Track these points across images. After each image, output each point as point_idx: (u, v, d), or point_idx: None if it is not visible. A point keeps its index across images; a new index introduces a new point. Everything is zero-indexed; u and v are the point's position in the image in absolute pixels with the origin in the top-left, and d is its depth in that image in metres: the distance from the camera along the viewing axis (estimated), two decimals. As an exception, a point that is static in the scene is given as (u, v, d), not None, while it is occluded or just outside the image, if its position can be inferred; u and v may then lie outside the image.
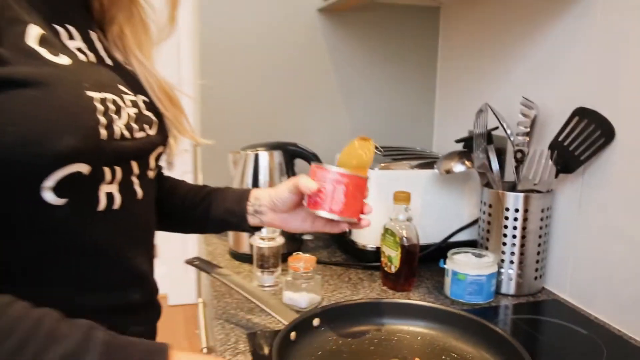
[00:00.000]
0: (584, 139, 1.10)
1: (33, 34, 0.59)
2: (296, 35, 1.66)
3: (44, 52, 0.59)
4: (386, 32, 1.72)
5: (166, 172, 0.95)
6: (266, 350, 0.93)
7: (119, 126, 0.65)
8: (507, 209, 1.17)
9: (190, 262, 1.12)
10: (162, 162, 0.83)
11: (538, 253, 1.18)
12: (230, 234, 1.39)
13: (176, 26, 0.84)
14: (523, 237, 1.17)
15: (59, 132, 0.57)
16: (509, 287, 1.19)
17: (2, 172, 0.55)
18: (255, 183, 1.40)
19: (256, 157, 1.41)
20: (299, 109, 1.70)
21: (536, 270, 1.19)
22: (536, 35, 1.27)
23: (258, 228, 0.97)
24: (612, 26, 1.06)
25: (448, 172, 1.30)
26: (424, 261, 1.27)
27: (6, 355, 0.50)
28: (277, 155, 1.42)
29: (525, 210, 1.16)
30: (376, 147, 0.92)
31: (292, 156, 1.46)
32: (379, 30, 1.71)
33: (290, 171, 1.44)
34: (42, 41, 0.60)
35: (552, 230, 1.22)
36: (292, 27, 1.65)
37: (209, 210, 0.93)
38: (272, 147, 1.43)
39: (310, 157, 1.46)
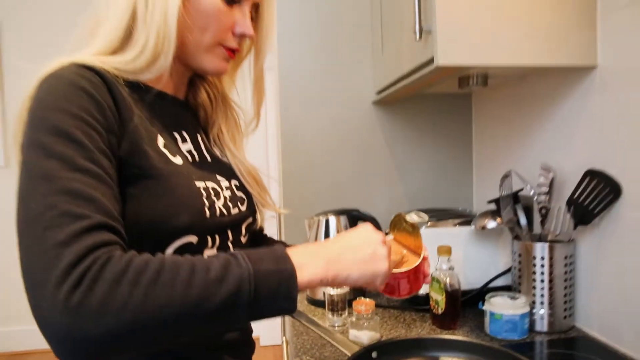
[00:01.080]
0: (596, 195, 1.10)
1: (161, 141, 0.69)
2: (356, 122, 1.72)
3: (168, 154, 0.68)
4: (429, 115, 1.75)
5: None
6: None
7: (219, 206, 0.72)
8: (535, 257, 1.17)
9: (273, 306, 1.18)
10: (257, 227, 0.89)
11: (565, 295, 1.16)
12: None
13: (260, 121, 0.92)
14: (550, 281, 1.16)
15: (178, 213, 0.64)
16: (542, 325, 1.17)
17: (138, 242, 0.60)
18: (326, 242, 1.47)
19: (326, 221, 1.48)
20: (360, 181, 1.74)
21: (565, 310, 1.17)
22: (551, 109, 1.29)
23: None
24: (611, 99, 1.08)
25: (483, 228, 1.32)
26: (467, 304, 1.28)
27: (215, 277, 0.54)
28: (343, 219, 1.49)
29: (551, 258, 1.15)
30: (418, 215, 0.92)
31: (355, 220, 1.51)
32: (423, 115, 1.75)
33: (353, 232, 1.50)
34: (165, 146, 0.69)
35: (577, 274, 1.20)
36: (353, 116, 1.72)
37: None
38: (338, 212, 1.50)
39: (369, 220, 1.51)
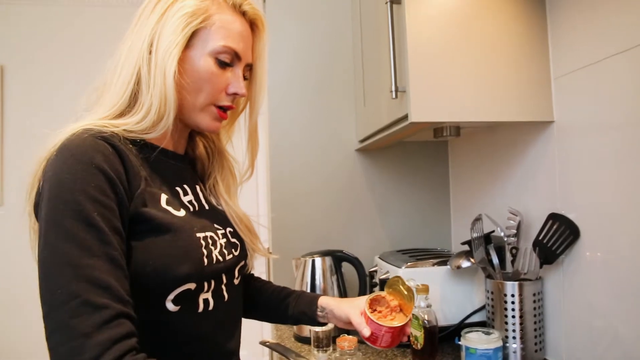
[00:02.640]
0: (558, 237, 1.19)
1: (164, 198, 0.75)
2: (340, 168, 1.81)
3: (170, 209, 0.74)
4: (409, 161, 1.85)
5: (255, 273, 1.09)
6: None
7: (215, 254, 0.78)
8: (506, 295, 1.25)
9: (263, 343, 1.24)
10: (249, 270, 0.94)
11: (535, 329, 1.24)
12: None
13: (254, 171, 0.98)
14: (521, 316, 1.23)
15: (180, 263, 0.70)
16: (515, 358, 1.23)
17: (140, 291, 0.66)
18: (313, 281, 1.53)
19: (313, 262, 1.56)
20: (344, 223, 1.81)
21: (535, 344, 1.24)
22: (517, 157, 1.40)
23: (325, 323, 1.03)
24: (568, 149, 1.19)
25: (458, 267, 1.40)
26: (444, 339, 1.34)
27: None
28: (328, 260, 1.56)
29: (520, 295, 1.23)
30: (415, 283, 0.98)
31: (340, 260, 1.59)
32: (403, 161, 1.85)
33: (338, 272, 1.57)
34: (168, 202, 0.75)
35: (546, 310, 1.28)
36: (337, 162, 1.81)
37: (287, 310, 1.02)
38: (324, 254, 1.57)
39: (353, 261, 1.58)
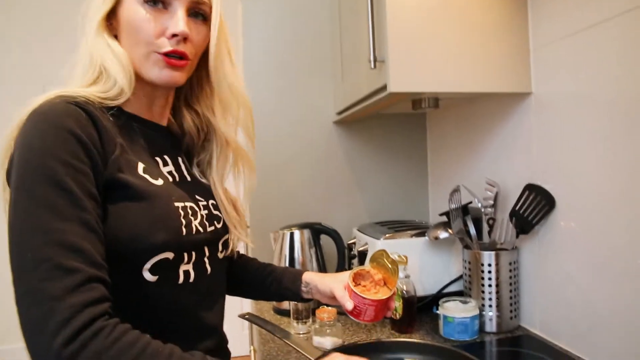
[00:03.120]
0: (534, 207, 1.21)
1: (140, 167, 0.73)
2: (317, 141, 1.80)
3: (147, 177, 0.73)
4: (387, 134, 1.85)
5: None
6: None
7: (196, 225, 0.77)
8: (483, 265, 1.27)
9: (242, 316, 1.23)
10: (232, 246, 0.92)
11: (511, 298, 1.27)
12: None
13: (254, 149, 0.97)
14: (497, 285, 1.26)
15: (155, 231, 0.69)
16: (491, 326, 1.26)
17: (116, 258, 0.65)
18: (292, 254, 1.53)
19: (291, 235, 1.55)
20: (322, 195, 1.81)
21: (511, 311, 1.27)
22: (495, 129, 1.41)
23: (310, 299, 1.04)
24: (545, 121, 1.20)
25: (436, 238, 1.41)
26: (422, 309, 1.37)
27: None
28: (306, 232, 1.56)
29: (497, 265, 1.26)
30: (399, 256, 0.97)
31: (318, 233, 1.59)
32: (381, 133, 1.85)
33: (317, 244, 1.57)
34: (145, 171, 0.74)
35: (521, 279, 1.31)
36: (315, 134, 1.80)
37: (270, 287, 1.03)
38: (302, 226, 1.57)
39: (331, 233, 1.59)
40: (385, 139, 1.85)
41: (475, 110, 1.51)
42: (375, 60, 1.17)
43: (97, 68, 0.74)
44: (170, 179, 0.79)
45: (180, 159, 0.86)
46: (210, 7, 0.79)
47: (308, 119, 1.80)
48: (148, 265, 0.69)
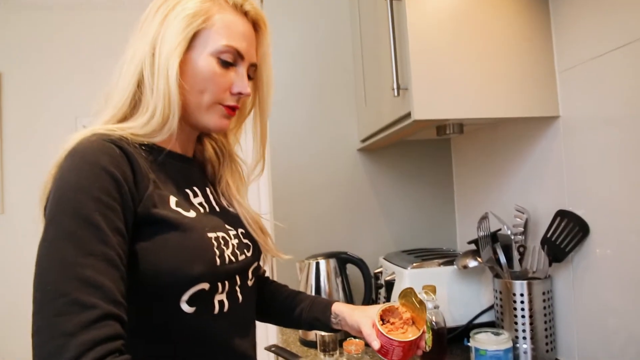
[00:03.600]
0: (567, 234, 1.17)
1: (173, 200, 0.75)
2: (343, 168, 1.80)
3: (180, 211, 0.74)
4: (411, 160, 1.83)
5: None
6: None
7: (228, 255, 0.78)
8: (514, 294, 1.23)
9: (268, 348, 1.22)
10: (262, 271, 0.95)
11: (546, 329, 1.22)
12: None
13: (263, 171, 0.98)
14: (531, 316, 1.21)
15: (192, 263, 0.70)
16: (526, 359, 1.21)
17: (154, 292, 0.67)
18: (318, 283, 1.51)
19: (317, 264, 1.54)
20: (348, 224, 1.79)
21: (546, 344, 1.22)
22: (523, 154, 1.38)
23: (339, 330, 1.02)
24: (574, 145, 1.17)
25: (465, 267, 1.38)
26: (453, 341, 1.32)
27: None
28: (332, 262, 1.54)
29: (529, 294, 1.21)
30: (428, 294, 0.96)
31: (344, 262, 1.57)
32: (406, 160, 1.83)
33: (343, 274, 1.55)
34: (178, 204, 0.75)
35: (556, 309, 1.25)
36: (339, 162, 1.80)
37: (300, 316, 1.01)
38: (328, 256, 1.55)
39: (358, 262, 1.56)
40: (410, 166, 1.84)
41: (501, 135, 1.48)
42: (398, 88, 1.17)
43: (142, 103, 0.77)
44: (202, 210, 0.81)
45: (208, 189, 0.89)
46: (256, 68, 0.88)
47: (332, 147, 1.80)
48: (186, 297, 0.70)
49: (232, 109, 0.84)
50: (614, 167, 1.05)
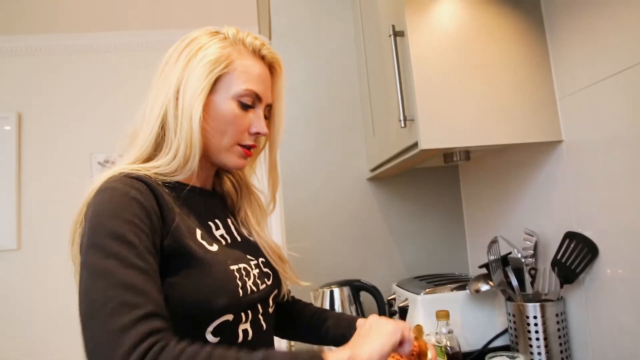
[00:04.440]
0: (576, 255, 1.18)
1: (199, 233, 0.78)
2: (352, 198, 1.83)
3: (205, 244, 0.77)
4: (421, 188, 1.87)
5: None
6: None
7: (250, 285, 0.80)
8: (528, 317, 1.24)
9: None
10: (282, 298, 0.96)
11: (561, 351, 1.22)
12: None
13: (276, 204, 1.02)
14: (545, 338, 1.22)
15: (216, 296, 0.73)
16: (543, 382, 1.22)
17: (180, 324, 0.68)
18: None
19: (331, 293, 1.56)
20: (360, 252, 1.82)
21: (563, 365, 1.23)
22: (529, 178, 1.40)
23: None
24: (579, 168, 1.20)
25: (477, 291, 1.39)
26: (469, 365, 1.33)
27: None
28: (346, 289, 1.56)
29: (543, 317, 1.22)
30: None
31: (358, 290, 1.58)
32: (415, 187, 1.86)
33: (357, 301, 1.57)
34: (202, 237, 0.78)
35: (570, 330, 1.26)
36: (349, 193, 1.83)
37: (328, 333, 1.01)
38: (341, 284, 1.57)
39: (371, 290, 1.58)
40: (420, 193, 1.87)
41: (508, 160, 1.52)
42: (405, 119, 1.22)
43: (165, 144, 0.81)
44: (224, 243, 0.84)
45: (229, 220, 0.92)
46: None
47: (342, 177, 1.84)
48: (211, 328, 0.73)
49: (249, 148, 0.88)
50: (618, 187, 1.08)
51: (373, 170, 1.74)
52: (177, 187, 0.82)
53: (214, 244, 0.80)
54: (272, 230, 1.99)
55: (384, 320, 0.86)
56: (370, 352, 0.71)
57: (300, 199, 1.81)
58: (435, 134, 1.19)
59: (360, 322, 1.03)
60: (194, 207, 0.83)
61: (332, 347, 0.81)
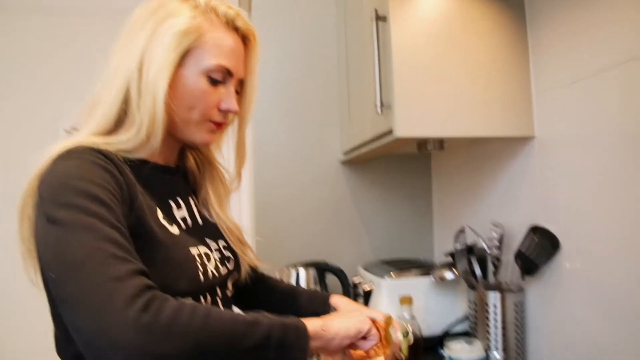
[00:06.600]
0: (539, 249, 1.22)
1: (160, 214, 0.75)
2: (324, 180, 1.83)
3: (166, 225, 0.75)
4: (393, 174, 1.88)
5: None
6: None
7: (211, 269, 0.78)
8: (488, 305, 1.28)
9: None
10: (242, 280, 0.93)
11: (517, 340, 1.27)
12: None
13: (241, 181, 0.97)
14: (503, 327, 1.26)
15: (176, 280, 0.70)
16: (497, 368, 1.26)
17: None
18: (297, 293, 1.54)
19: (297, 273, 1.58)
20: (328, 234, 1.83)
21: (517, 353, 1.27)
22: (499, 171, 1.44)
23: None
24: (549, 164, 1.23)
25: (442, 279, 1.43)
26: (428, 350, 1.36)
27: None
28: (312, 270, 1.58)
29: (503, 306, 1.26)
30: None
31: (323, 271, 1.60)
32: (387, 174, 1.88)
33: (322, 283, 1.59)
34: (163, 217, 0.75)
35: (527, 320, 1.31)
36: (321, 175, 1.83)
37: (300, 309, 1.01)
38: (307, 265, 1.59)
39: (337, 272, 1.60)
40: (391, 179, 1.89)
41: (480, 153, 1.54)
42: (382, 106, 1.22)
43: (127, 119, 0.75)
44: (183, 225, 0.81)
45: (191, 200, 0.89)
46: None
47: (315, 159, 1.84)
48: None
49: (219, 124, 0.84)
50: (586, 186, 1.11)
51: (347, 153, 1.74)
52: (138, 165, 0.77)
53: (174, 225, 0.78)
54: (242, 209, 1.98)
55: (359, 310, 0.87)
56: (339, 326, 0.75)
57: (271, 178, 1.79)
58: (411, 123, 1.20)
59: (334, 300, 1.04)
60: (156, 186, 0.79)
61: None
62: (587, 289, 1.11)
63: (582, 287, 1.12)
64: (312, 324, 0.71)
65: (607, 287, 1.06)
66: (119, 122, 0.76)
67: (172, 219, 0.79)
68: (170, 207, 0.81)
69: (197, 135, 0.82)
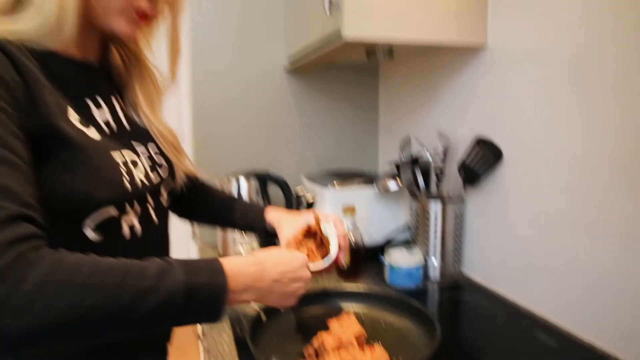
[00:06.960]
0: (482, 160, 1.24)
1: (72, 114, 0.65)
2: (268, 87, 1.75)
3: (80, 127, 0.65)
4: (339, 84, 1.82)
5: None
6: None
7: (139, 177, 0.71)
8: (429, 214, 1.30)
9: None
10: (177, 188, 0.88)
11: (455, 248, 1.32)
12: (220, 246, 1.51)
13: (176, 81, 0.88)
14: (442, 236, 1.30)
15: (95, 186, 0.63)
16: (434, 274, 1.31)
17: (54, 218, 0.58)
18: (239, 203, 1.50)
19: (237, 182, 1.53)
20: (271, 144, 1.78)
21: (454, 261, 1.32)
22: (448, 83, 1.41)
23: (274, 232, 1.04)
24: (498, 78, 1.20)
25: (386, 190, 1.43)
26: (370, 258, 1.40)
27: (132, 284, 0.54)
28: (253, 180, 1.54)
29: (443, 215, 1.29)
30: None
31: (265, 181, 1.57)
32: (334, 83, 1.81)
33: (264, 193, 1.55)
34: (76, 118, 0.66)
35: (465, 229, 1.35)
36: (266, 81, 1.74)
37: (235, 221, 1.05)
38: (249, 174, 1.54)
39: (279, 182, 1.57)
40: (338, 89, 1.83)
41: (429, 64, 1.50)
42: (330, 6, 1.12)
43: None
44: (106, 129, 0.73)
45: (114, 100, 0.79)
46: None
47: (259, 66, 1.73)
48: (90, 222, 0.64)
49: (145, 16, 0.73)
50: (532, 100, 1.10)
51: (292, 59, 1.64)
52: (47, 57, 0.66)
53: (91, 127, 0.69)
54: (181, 115, 1.86)
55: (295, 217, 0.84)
56: (273, 302, 0.77)
57: (211, 83, 1.68)
58: (360, 24, 1.11)
59: (269, 216, 1.02)
60: (68, 82, 0.69)
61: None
62: (523, 199, 1.14)
63: (518, 197, 1.15)
64: (241, 295, 0.68)
65: (540, 198, 1.09)
66: (17, 2, 0.63)
67: (89, 119, 0.69)
68: (88, 106, 0.71)
69: (119, 24, 0.71)
